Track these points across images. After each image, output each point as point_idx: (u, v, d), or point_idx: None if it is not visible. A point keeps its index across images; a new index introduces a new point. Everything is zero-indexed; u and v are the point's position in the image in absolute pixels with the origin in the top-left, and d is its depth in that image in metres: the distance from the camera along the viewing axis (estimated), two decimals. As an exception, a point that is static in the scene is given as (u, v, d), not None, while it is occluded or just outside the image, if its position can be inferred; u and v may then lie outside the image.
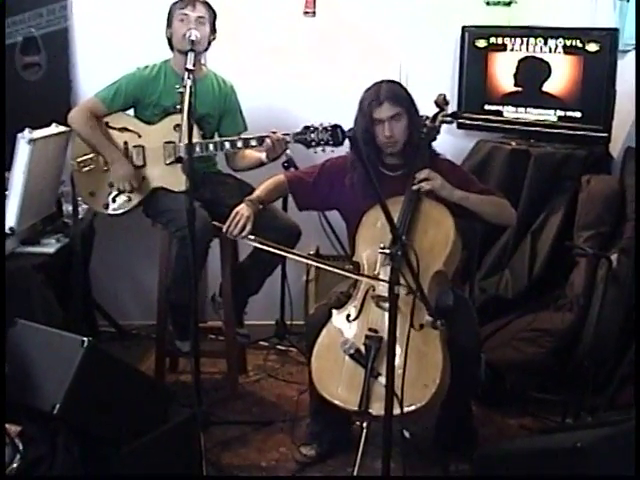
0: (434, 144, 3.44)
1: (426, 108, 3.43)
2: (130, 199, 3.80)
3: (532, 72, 4.28)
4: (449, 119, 3.49)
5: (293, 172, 3.66)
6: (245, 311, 4.14)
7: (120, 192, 3.78)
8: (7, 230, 3.37)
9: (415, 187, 3.22)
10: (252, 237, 3.25)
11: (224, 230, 3.29)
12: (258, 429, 3.64)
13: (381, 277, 3.03)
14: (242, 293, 4.02)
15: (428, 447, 3.34)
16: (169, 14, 3.81)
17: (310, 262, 3.38)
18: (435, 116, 3.44)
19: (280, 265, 4.22)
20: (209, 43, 3.83)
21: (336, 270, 3.17)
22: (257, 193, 3.44)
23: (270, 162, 3.73)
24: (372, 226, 3.17)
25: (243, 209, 3.31)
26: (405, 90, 3.34)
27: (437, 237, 3.16)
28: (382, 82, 3.35)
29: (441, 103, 3.46)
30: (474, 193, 3.30)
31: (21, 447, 2.54)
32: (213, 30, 3.83)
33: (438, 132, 3.44)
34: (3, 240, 3.32)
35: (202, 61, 3.88)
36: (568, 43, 4.15)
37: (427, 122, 3.40)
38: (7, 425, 2.55)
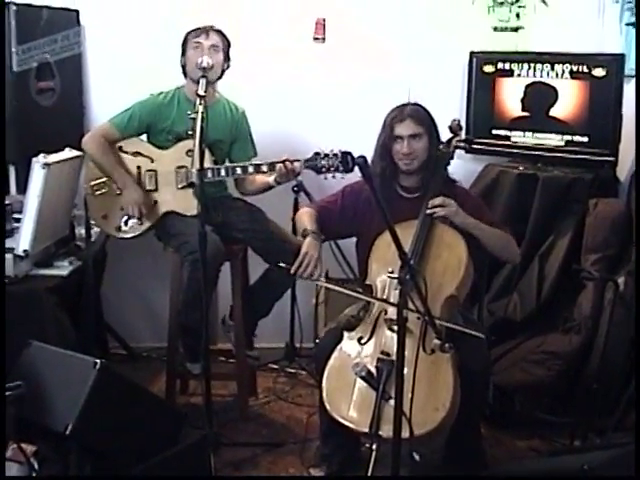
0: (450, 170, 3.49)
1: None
2: (142, 223, 3.84)
3: (539, 97, 4.33)
4: (463, 144, 3.53)
5: (317, 203, 3.63)
6: (255, 334, 4.17)
7: (130, 217, 3.83)
8: (21, 252, 3.41)
9: (429, 211, 3.26)
10: (323, 279, 3.23)
11: (292, 271, 3.23)
12: (268, 451, 3.66)
13: (392, 301, 3.06)
14: (252, 316, 4.05)
15: (437, 469, 3.35)
16: (184, 42, 3.85)
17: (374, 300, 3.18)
18: (449, 141, 3.48)
19: (290, 288, 4.25)
20: (223, 71, 3.87)
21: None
22: (311, 227, 3.35)
23: (278, 186, 3.77)
24: (386, 249, 3.16)
25: (311, 247, 3.23)
26: (429, 114, 3.39)
27: (450, 262, 3.19)
28: (408, 103, 3.43)
29: (455, 128, 3.50)
30: (486, 224, 3.34)
31: (37, 466, 2.57)
32: (227, 58, 3.87)
33: (452, 157, 3.48)
34: (3, 259, 3.36)
35: (215, 87, 3.92)
36: (575, 68, 4.19)
37: (441, 147, 3.43)
38: (23, 445, 2.59)
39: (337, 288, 3.16)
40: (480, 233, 3.30)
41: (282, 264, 3.25)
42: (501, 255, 3.44)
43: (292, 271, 3.22)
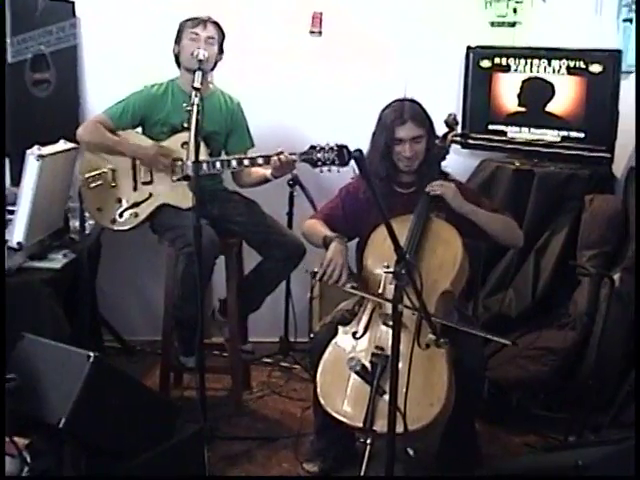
0: (446, 165, 3.48)
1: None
2: (137, 214, 3.83)
3: (536, 92, 4.33)
4: (459, 139, 3.52)
5: (320, 212, 3.55)
6: (246, 326, 4.16)
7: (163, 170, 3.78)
8: (15, 245, 3.40)
9: (427, 189, 3.26)
10: (349, 285, 3.16)
11: (318, 278, 3.19)
12: (262, 445, 3.66)
13: (386, 296, 3.05)
14: (244, 309, 4.04)
15: (432, 464, 3.34)
16: (179, 31, 3.84)
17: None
18: (445, 136, 3.46)
19: (284, 282, 4.24)
20: (216, 63, 3.86)
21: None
22: (331, 233, 3.28)
23: (274, 179, 3.76)
24: (381, 244, 3.16)
25: (336, 253, 3.17)
26: (425, 112, 3.36)
27: (445, 257, 3.17)
28: (404, 100, 3.38)
29: (451, 123, 3.49)
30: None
31: (29, 459, 2.56)
32: (221, 50, 3.86)
33: (448, 152, 3.47)
34: (3, 254, 3.34)
35: (209, 79, 3.90)
36: (572, 64, 4.19)
37: (437, 142, 3.41)
38: (15, 438, 2.57)
39: (366, 295, 3.14)
40: (478, 218, 3.28)
41: (308, 270, 3.23)
42: (503, 239, 3.39)
43: (317, 278, 3.19)
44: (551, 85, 4.28)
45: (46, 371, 2.82)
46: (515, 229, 3.45)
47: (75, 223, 3.96)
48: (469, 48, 4.49)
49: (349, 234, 3.41)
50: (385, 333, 2.99)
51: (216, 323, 4.11)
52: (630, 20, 4.33)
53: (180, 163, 3.76)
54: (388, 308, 2.97)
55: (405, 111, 3.30)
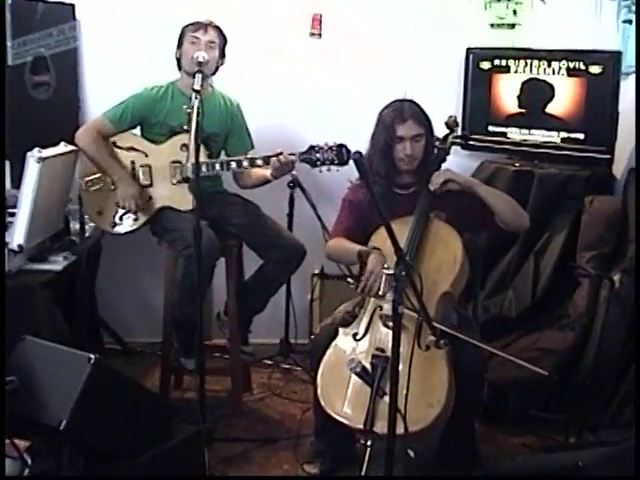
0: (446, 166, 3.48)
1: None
2: (137, 218, 3.83)
3: (536, 94, 4.32)
4: (459, 140, 3.52)
5: (335, 231, 3.50)
6: (250, 329, 4.16)
7: (127, 211, 3.81)
8: (15, 247, 3.39)
9: (431, 187, 3.27)
10: (389, 297, 3.17)
11: (359, 290, 3.18)
12: (262, 446, 3.66)
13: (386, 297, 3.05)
14: (247, 311, 4.04)
15: (431, 465, 3.34)
16: (181, 35, 3.85)
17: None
18: (445, 137, 3.48)
19: (285, 284, 4.24)
20: (217, 68, 3.86)
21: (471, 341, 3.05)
22: (363, 247, 3.24)
23: (274, 180, 3.77)
24: (381, 245, 3.16)
25: (377, 264, 3.10)
26: (424, 111, 3.37)
27: (445, 258, 3.18)
28: (403, 100, 3.39)
29: (452, 125, 3.50)
30: None
31: (30, 462, 2.56)
32: (222, 55, 3.87)
33: (448, 153, 3.48)
34: (3, 255, 3.34)
35: (209, 81, 3.90)
36: (571, 65, 4.18)
37: (437, 143, 3.43)
38: (16, 440, 2.58)
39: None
40: (485, 193, 3.29)
41: (350, 280, 3.20)
42: (509, 217, 3.31)
43: (359, 290, 3.17)
44: (551, 86, 4.27)
45: (46, 373, 2.82)
46: (519, 207, 3.38)
47: (75, 225, 3.96)
48: (469, 49, 4.49)
49: (366, 241, 3.36)
50: (385, 334, 2.99)
51: (220, 324, 4.11)
52: (630, 21, 4.32)
53: (179, 165, 3.76)
54: (388, 309, 2.97)
55: (405, 110, 3.32)
